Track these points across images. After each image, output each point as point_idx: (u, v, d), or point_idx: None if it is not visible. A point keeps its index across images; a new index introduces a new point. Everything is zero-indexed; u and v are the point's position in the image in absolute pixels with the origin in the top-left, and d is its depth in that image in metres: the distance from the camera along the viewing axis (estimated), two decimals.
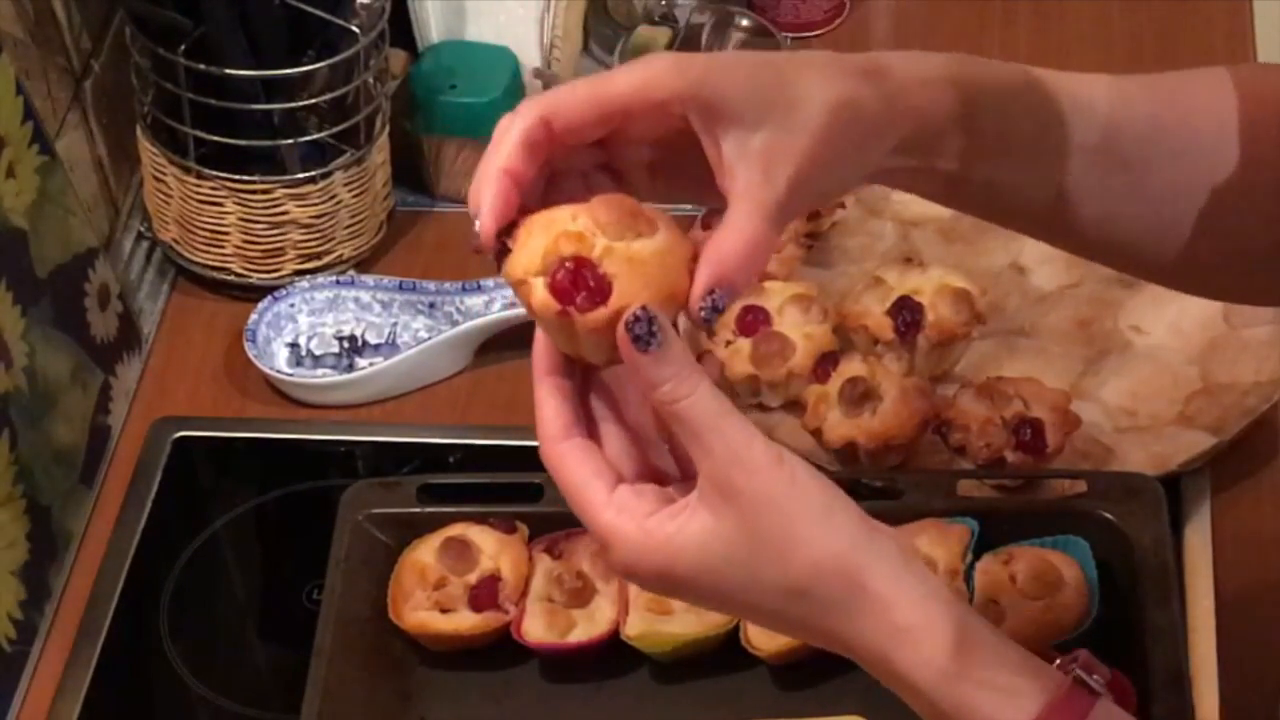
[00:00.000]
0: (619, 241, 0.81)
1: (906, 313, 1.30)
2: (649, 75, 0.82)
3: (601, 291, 0.80)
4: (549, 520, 1.21)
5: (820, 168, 0.83)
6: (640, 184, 0.87)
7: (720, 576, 0.82)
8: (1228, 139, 0.92)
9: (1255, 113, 0.92)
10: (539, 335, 0.85)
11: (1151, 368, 1.32)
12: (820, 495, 0.82)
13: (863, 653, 0.83)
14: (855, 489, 1.25)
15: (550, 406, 0.84)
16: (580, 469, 0.84)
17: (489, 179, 0.82)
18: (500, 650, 1.18)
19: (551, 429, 0.84)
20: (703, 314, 0.83)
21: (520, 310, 1.35)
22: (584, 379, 0.86)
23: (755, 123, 0.82)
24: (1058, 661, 0.84)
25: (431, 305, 1.40)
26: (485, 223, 0.82)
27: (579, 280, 0.81)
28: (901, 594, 0.81)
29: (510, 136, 0.82)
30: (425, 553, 1.19)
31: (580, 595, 1.17)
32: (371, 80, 1.40)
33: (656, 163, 0.87)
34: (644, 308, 0.80)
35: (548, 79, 1.52)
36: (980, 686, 0.81)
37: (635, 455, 0.86)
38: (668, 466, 0.86)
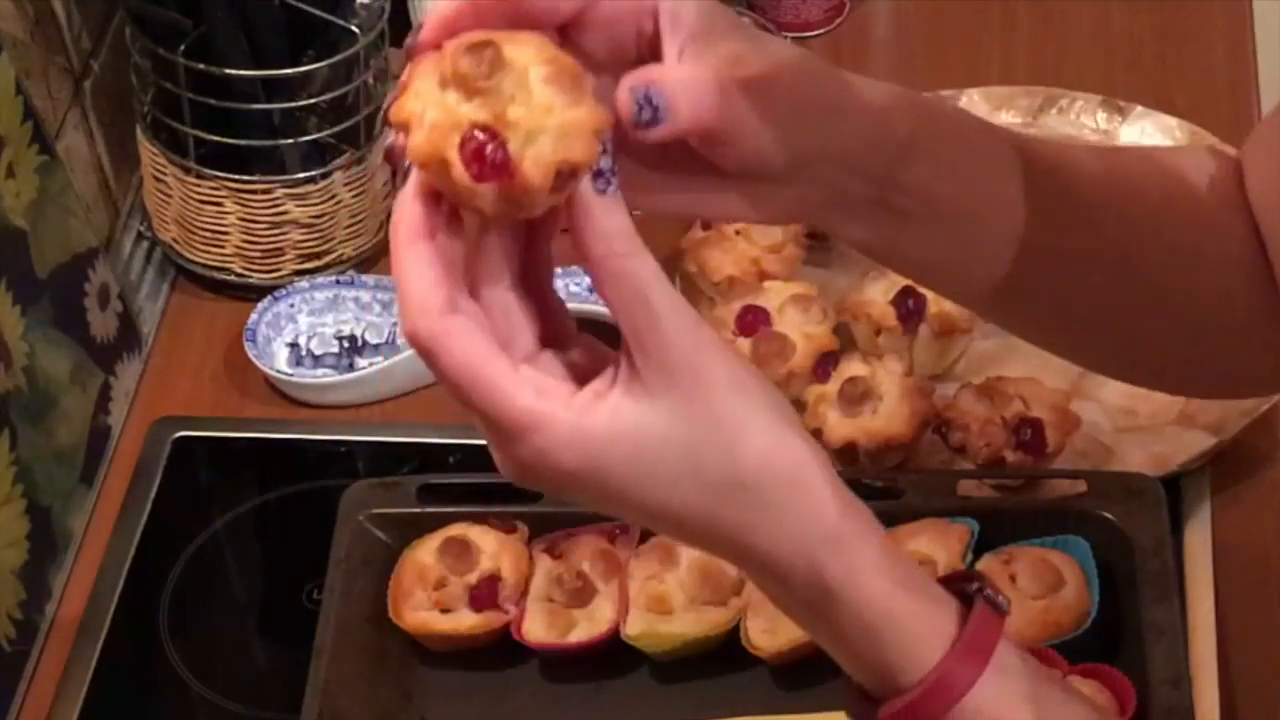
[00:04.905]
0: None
1: (910, 301, 1.29)
2: None
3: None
4: (549, 520, 1.21)
5: (779, 91, 0.78)
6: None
7: (655, 467, 0.71)
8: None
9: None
10: (410, 193, 0.71)
11: None
12: (768, 386, 0.75)
13: (782, 562, 0.74)
14: (855, 489, 1.25)
15: (427, 277, 0.70)
16: (476, 345, 0.71)
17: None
18: (500, 650, 1.18)
19: (430, 302, 0.71)
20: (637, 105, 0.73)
21: None
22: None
23: (722, 34, 0.77)
24: (947, 580, 0.79)
25: None
26: (425, 28, 0.71)
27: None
28: (840, 497, 0.75)
29: None
30: (425, 553, 1.19)
31: (580, 595, 1.17)
32: (371, 80, 1.40)
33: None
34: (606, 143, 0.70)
35: None
36: (910, 595, 0.75)
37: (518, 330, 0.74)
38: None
